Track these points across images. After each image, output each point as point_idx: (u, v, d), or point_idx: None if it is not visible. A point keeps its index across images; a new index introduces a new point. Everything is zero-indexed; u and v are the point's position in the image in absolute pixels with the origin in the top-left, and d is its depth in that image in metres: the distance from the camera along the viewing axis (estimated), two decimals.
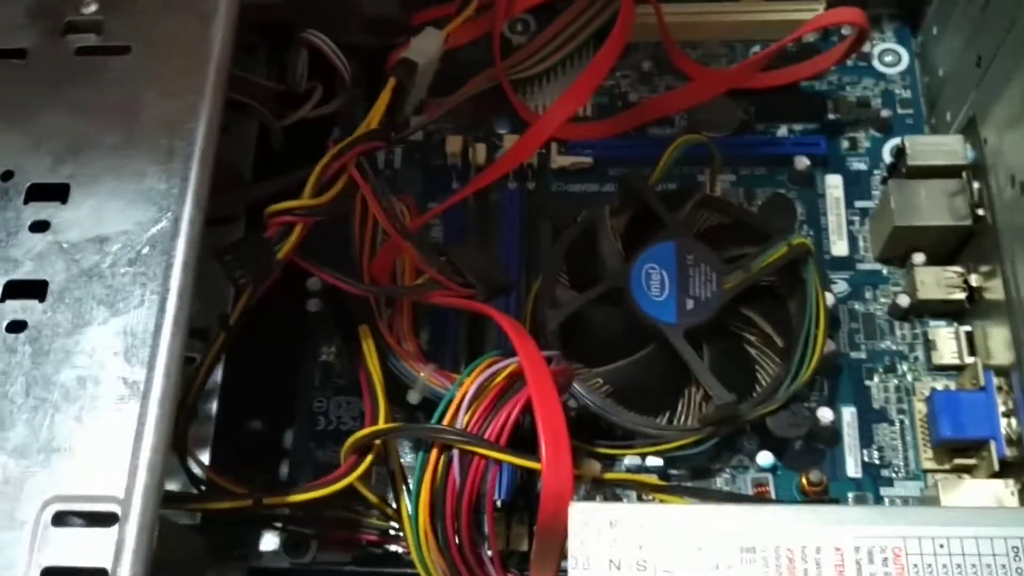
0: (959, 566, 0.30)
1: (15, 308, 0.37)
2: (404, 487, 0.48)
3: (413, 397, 0.49)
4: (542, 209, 0.56)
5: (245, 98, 0.52)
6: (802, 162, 0.57)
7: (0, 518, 0.33)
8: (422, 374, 0.49)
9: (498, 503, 0.46)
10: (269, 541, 0.52)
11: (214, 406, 0.52)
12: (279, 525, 0.50)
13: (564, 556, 0.39)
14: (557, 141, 0.59)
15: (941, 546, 0.30)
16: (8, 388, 0.35)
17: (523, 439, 0.43)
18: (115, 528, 0.33)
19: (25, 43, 0.41)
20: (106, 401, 0.35)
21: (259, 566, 0.52)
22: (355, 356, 0.51)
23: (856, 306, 0.55)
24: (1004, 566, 0.30)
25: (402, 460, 0.49)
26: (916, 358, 0.54)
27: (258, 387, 0.55)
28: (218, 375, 0.52)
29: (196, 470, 0.46)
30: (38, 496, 0.34)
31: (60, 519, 0.33)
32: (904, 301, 0.54)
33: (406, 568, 0.49)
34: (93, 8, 0.42)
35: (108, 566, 0.32)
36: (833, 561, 0.30)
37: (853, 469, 0.51)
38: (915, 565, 0.30)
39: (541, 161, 0.59)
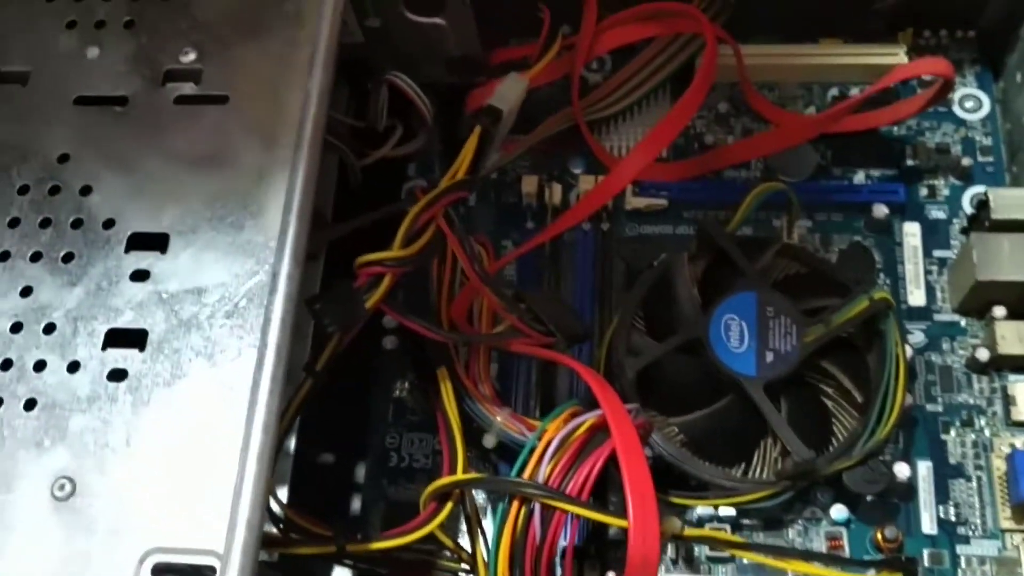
0: None
1: (116, 357, 0.37)
2: (479, 531, 0.48)
3: (489, 441, 0.50)
4: (617, 251, 0.56)
5: (328, 136, 0.53)
6: (881, 210, 0.57)
7: (101, 568, 0.34)
8: (498, 419, 0.49)
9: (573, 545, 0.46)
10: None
11: (292, 442, 0.52)
12: (350, 562, 0.51)
13: None
14: (633, 182, 0.59)
15: None
16: (110, 438, 0.36)
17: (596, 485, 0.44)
18: None
19: (126, 90, 0.42)
20: (205, 454, 0.35)
21: None
22: (430, 396, 0.51)
23: (933, 358, 0.55)
24: None
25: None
26: (994, 413, 0.53)
27: (332, 421, 0.56)
28: None
29: (276, 508, 0.47)
30: (138, 546, 0.34)
31: (160, 571, 0.34)
32: (983, 355, 0.53)
33: None
34: (192, 57, 0.42)
35: None
36: None
37: (928, 525, 0.51)
38: None
39: (615, 202, 0.59)
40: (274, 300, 0.37)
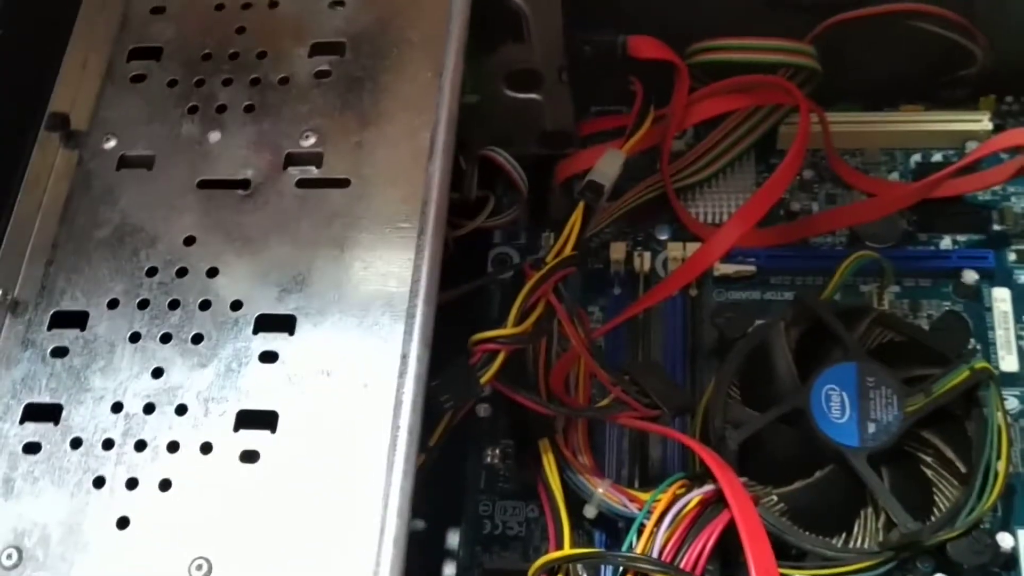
0: None
1: (247, 438, 0.38)
2: None
3: (590, 512, 0.50)
4: (711, 319, 0.57)
5: None
6: (971, 276, 0.57)
7: None
8: (600, 490, 0.49)
9: None
10: None
11: None
12: None
13: None
14: None
15: None
16: (243, 517, 0.37)
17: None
18: None
19: (248, 174, 0.43)
20: (340, 537, 0.36)
21: None
22: (528, 465, 0.52)
23: None
24: None
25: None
26: None
27: (423, 487, 0.56)
28: None
29: None
30: None
31: None
32: None
33: None
34: (312, 140, 0.44)
35: None
36: None
37: None
38: None
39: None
40: (404, 382, 0.38)
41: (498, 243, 0.63)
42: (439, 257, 0.40)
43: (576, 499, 0.51)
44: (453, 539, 0.56)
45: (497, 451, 0.57)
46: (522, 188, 0.54)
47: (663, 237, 0.61)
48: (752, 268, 0.59)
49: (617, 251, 0.60)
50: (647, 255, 0.60)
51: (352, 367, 0.39)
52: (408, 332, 0.39)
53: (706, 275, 0.59)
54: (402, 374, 0.38)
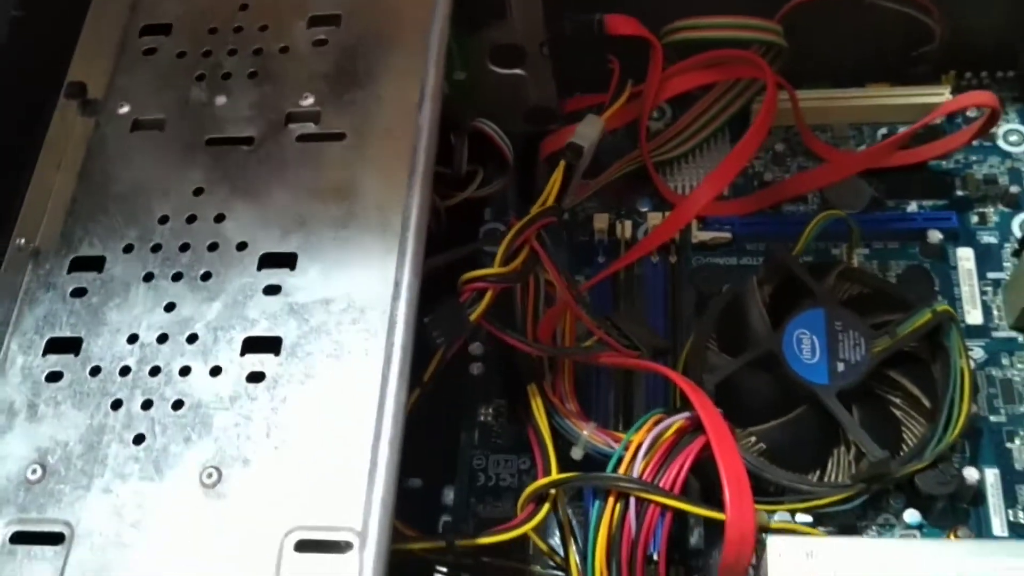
0: None
1: (254, 361, 0.42)
2: (572, 538, 0.51)
3: (576, 453, 0.53)
4: (689, 278, 0.60)
5: None
6: (935, 235, 0.60)
7: (250, 544, 0.38)
8: (585, 432, 0.52)
9: (655, 555, 0.49)
10: None
11: None
12: (444, 570, 0.54)
13: None
14: (698, 218, 0.63)
15: None
16: (252, 431, 0.40)
17: None
18: (353, 554, 0.37)
19: (252, 132, 0.47)
20: (340, 444, 0.39)
21: None
22: (520, 416, 0.55)
23: (994, 372, 0.57)
24: None
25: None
26: None
27: (420, 446, 0.59)
28: None
29: None
30: (282, 525, 0.38)
31: (302, 546, 0.37)
32: None
33: None
34: (310, 100, 0.47)
35: None
36: None
37: (999, 528, 0.53)
38: None
39: (682, 236, 0.63)
40: (398, 305, 0.41)
41: (488, 220, 0.66)
42: (428, 196, 0.44)
43: (565, 444, 0.53)
44: (449, 495, 0.59)
45: (490, 409, 0.60)
46: (508, 156, 0.58)
47: (644, 209, 0.64)
48: (728, 235, 0.62)
49: (600, 221, 0.63)
50: (628, 224, 0.63)
51: (349, 296, 0.42)
52: (400, 263, 0.42)
53: (685, 243, 0.63)
54: (395, 298, 0.42)
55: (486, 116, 0.59)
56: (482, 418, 0.60)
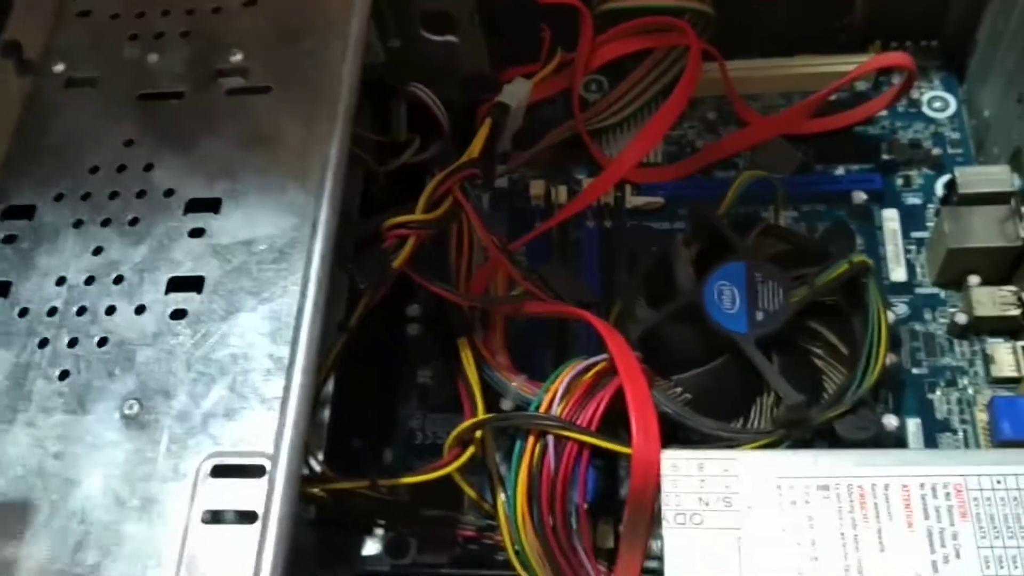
0: (1016, 499, 0.33)
1: (177, 299, 0.43)
2: (500, 486, 0.52)
3: (506, 405, 0.54)
4: (621, 242, 0.61)
5: (353, 148, 0.59)
6: (859, 196, 0.62)
7: (168, 471, 0.39)
8: (514, 383, 0.54)
9: (586, 505, 0.50)
10: (371, 546, 0.57)
11: (326, 413, 0.57)
12: (382, 523, 0.55)
13: (652, 529, 0.43)
14: (631, 184, 0.64)
15: (999, 482, 0.33)
16: (173, 365, 0.41)
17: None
18: (265, 478, 0.38)
19: (183, 87, 0.49)
20: (256, 374, 0.40)
21: (363, 570, 0.56)
22: (453, 370, 0.56)
23: (917, 327, 0.59)
24: None
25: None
26: (976, 372, 0.57)
27: (361, 407, 0.61)
28: (330, 389, 0.57)
29: (315, 465, 0.51)
30: (199, 453, 0.39)
31: (217, 471, 0.39)
32: (962, 319, 0.57)
33: (500, 570, 0.53)
34: (239, 57, 0.49)
35: (259, 510, 0.37)
36: (901, 496, 0.34)
37: None
38: (975, 498, 0.33)
39: (617, 202, 0.64)
40: (314, 243, 0.43)
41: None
42: (347, 143, 0.45)
43: (497, 397, 0.55)
44: (389, 455, 0.60)
45: (428, 370, 0.61)
46: (441, 120, 0.59)
47: (580, 176, 0.66)
48: (661, 200, 0.64)
49: (537, 188, 0.65)
50: (563, 189, 0.65)
51: (270, 237, 0.44)
52: (318, 204, 0.44)
53: (620, 208, 0.64)
54: (312, 237, 0.43)
55: (424, 84, 0.61)
56: (420, 379, 0.61)
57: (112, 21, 0.52)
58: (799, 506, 0.35)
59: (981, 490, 0.34)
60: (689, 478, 0.36)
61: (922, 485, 0.34)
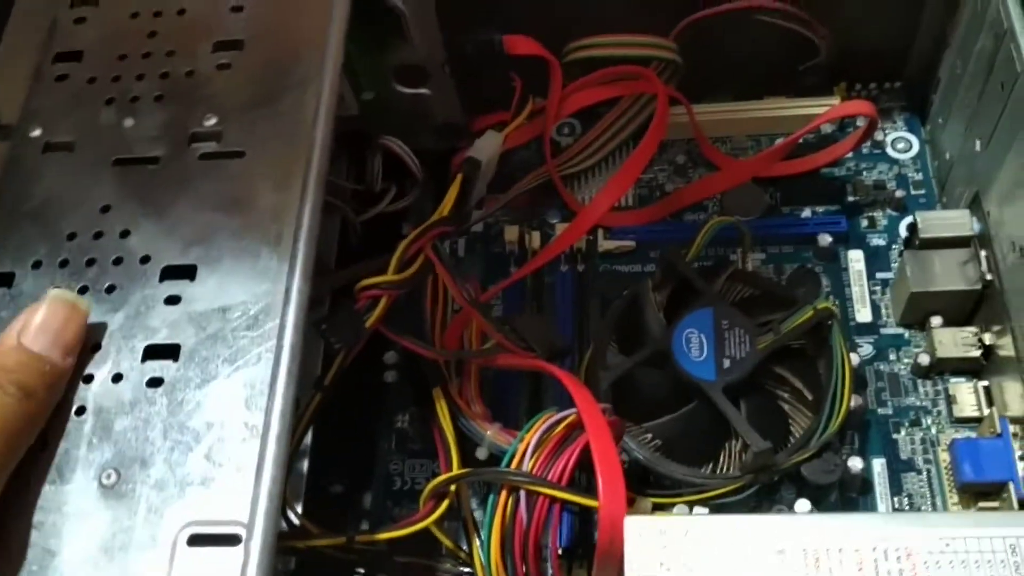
0: (963, 562, 0.35)
1: (154, 367, 0.44)
2: (475, 534, 0.53)
3: (481, 453, 0.55)
4: (593, 285, 0.63)
5: (330, 198, 0.60)
6: (825, 239, 0.63)
7: (144, 540, 0.40)
8: (489, 432, 0.55)
9: (560, 550, 0.51)
10: None
11: (304, 471, 0.57)
12: (361, 571, 0.56)
13: None
14: (603, 228, 0.66)
15: (947, 544, 0.35)
16: (149, 433, 0.42)
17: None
18: (240, 547, 0.39)
19: (158, 151, 0.49)
20: (231, 442, 0.41)
21: None
22: (429, 419, 0.57)
23: (881, 367, 0.60)
24: (1003, 561, 0.34)
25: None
26: (939, 412, 0.59)
27: (341, 453, 0.62)
28: (309, 439, 0.58)
29: (293, 519, 0.52)
30: (175, 521, 0.40)
31: (194, 540, 0.40)
32: (925, 360, 0.59)
33: None
34: (213, 121, 0.50)
35: None
36: (855, 560, 0.35)
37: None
38: (925, 562, 0.35)
39: (589, 246, 0.66)
40: (288, 310, 0.44)
41: (406, 235, 0.68)
42: (319, 208, 0.46)
43: (472, 445, 0.56)
44: (368, 500, 0.61)
45: (406, 415, 0.62)
46: (415, 171, 0.60)
47: (554, 220, 0.67)
48: (632, 243, 0.65)
49: (511, 233, 0.66)
50: (537, 235, 0.66)
51: (244, 303, 0.45)
52: (291, 271, 0.45)
53: (592, 252, 0.66)
54: (286, 304, 0.44)
55: (397, 133, 0.62)
56: (398, 424, 0.62)
57: (89, 85, 0.53)
58: (757, 569, 0.36)
59: (931, 553, 0.35)
60: (651, 542, 0.37)
61: (874, 548, 0.35)
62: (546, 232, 0.67)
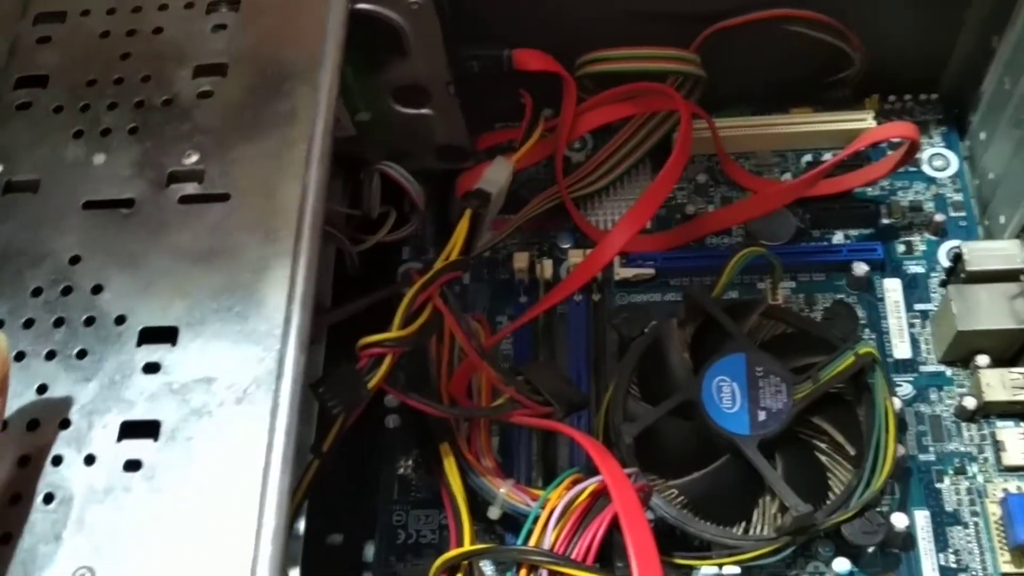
0: None
1: (130, 448, 0.39)
2: None
3: (493, 513, 0.51)
4: (609, 320, 0.58)
5: (326, 226, 0.55)
6: (860, 268, 0.59)
7: None
8: (502, 491, 0.50)
9: None
10: None
11: (302, 524, 0.53)
12: None
13: None
14: (620, 254, 0.61)
15: None
16: (125, 526, 0.37)
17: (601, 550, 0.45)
18: None
19: (132, 193, 0.44)
20: (218, 539, 0.36)
21: None
22: (434, 471, 0.52)
23: (922, 408, 0.56)
24: None
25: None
26: (986, 459, 0.54)
27: (339, 501, 0.57)
28: None
29: None
30: None
31: None
32: (971, 403, 0.54)
33: None
34: (194, 159, 0.45)
35: None
36: None
37: (930, 573, 0.52)
38: None
39: (605, 273, 0.61)
40: (281, 385, 0.39)
41: (407, 259, 0.64)
42: (315, 264, 0.41)
43: (483, 503, 0.51)
44: (370, 551, 0.56)
45: (409, 461, 0.58)
46: (417, 201, 0.55)
47: (566, 245, 0.62)
48: (651, 271, 0.61)
49: (520, 260, 0.61)
50: (548, 263, 0.61)
51: (232, 373, 0.40)
52: (285, 337, 0.40)
53: (607, 280, 0.61)
54: (279, 377, 0.39)
55: (396, 155, 0.57)
56: (401, 471, 0.58)
57: (55, 115, 0.47)
58: None
59: None
60: None
61: None
62: (558, 258, 0.62)
